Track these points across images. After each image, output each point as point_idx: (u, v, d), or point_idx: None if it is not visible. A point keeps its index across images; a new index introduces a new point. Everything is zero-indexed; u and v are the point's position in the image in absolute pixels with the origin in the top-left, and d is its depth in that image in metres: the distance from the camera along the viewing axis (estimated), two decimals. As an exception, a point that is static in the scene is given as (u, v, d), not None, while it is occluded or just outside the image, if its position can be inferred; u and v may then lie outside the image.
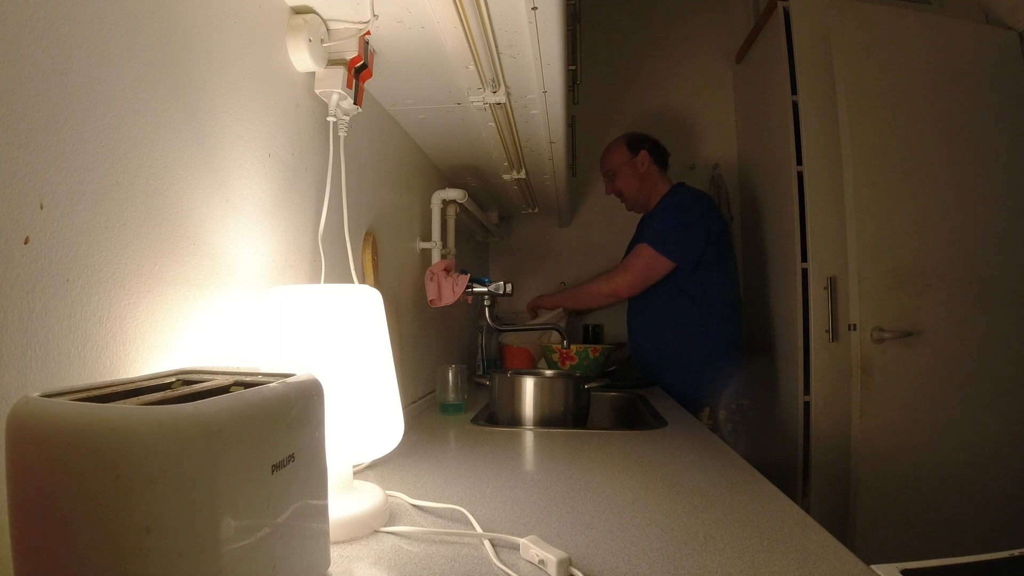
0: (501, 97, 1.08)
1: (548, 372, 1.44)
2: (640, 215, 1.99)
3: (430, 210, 1.42)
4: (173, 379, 0.44)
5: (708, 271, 1.74)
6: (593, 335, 2.32)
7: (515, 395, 1.26)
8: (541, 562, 0.53)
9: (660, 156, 1.89)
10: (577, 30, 1.40)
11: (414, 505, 0.70)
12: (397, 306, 1.21)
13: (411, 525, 0.64)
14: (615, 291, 1.77)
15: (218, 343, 0.62)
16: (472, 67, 0.97)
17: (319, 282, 0.83)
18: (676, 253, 1.71)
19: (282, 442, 0.41)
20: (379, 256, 1.10)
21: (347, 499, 0.62)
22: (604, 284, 1.79)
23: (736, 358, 1.80)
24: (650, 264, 1.73)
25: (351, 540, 0.59)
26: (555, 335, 1.90)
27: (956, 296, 1.76)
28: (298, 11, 0.79)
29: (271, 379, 0.44)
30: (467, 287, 1.35)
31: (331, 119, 0.84)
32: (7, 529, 0.33)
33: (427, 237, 1.42)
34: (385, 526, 0.63)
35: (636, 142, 1.88)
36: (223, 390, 0.41)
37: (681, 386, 1.74)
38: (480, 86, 1.05)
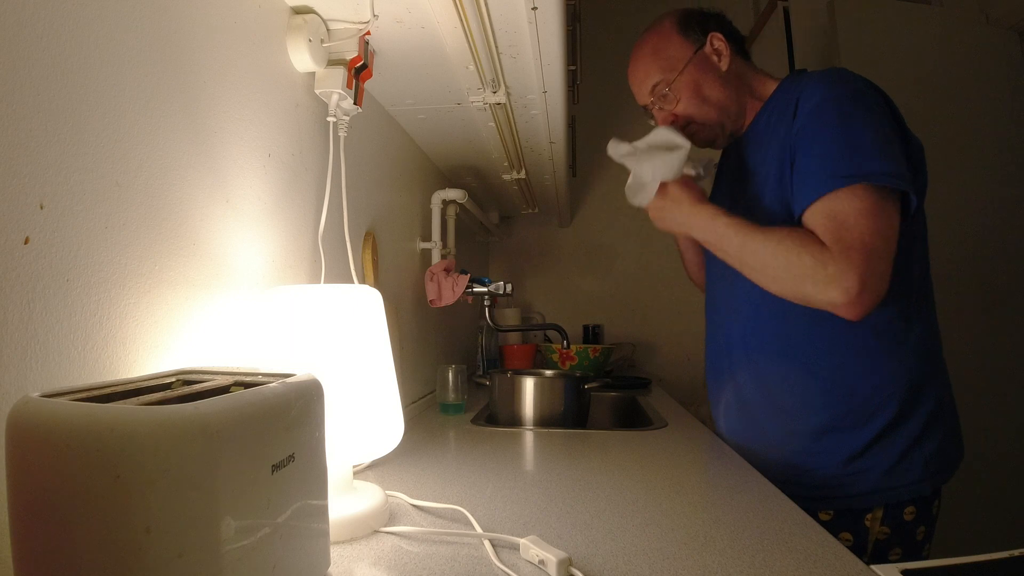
0: (501, 97, 1.08)
1: (548, 372, 1.44)
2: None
3: (430, 210, 1.42)
4: (173, 379, 0.44)
5: (908, 230, 0.83)
6: (593, 335, 2.32)
7: (515, 395, 1.26)
8: (541, 562, 0.53)
9: (737, 40, 1.05)
10: (577, 30, 1.40)
11: (414, 505, 0.70)
12: (397, 306, 1.21)
13: (411, 525, 0.64)
14: (834, 302, 0.76)
15: (218, 343, 0.62)
16: (472, 67, 0.97)
17: (319, 282, 0.83)
18: (897, 171, 0.78)
19: (282, 442, 0.41)
20: (379, 256, 1.10)
21: (347, 499, 0.62)
22: (822, 287, 0.76)
23: (948, 401, 0.97)
24: (876, 217, 0.76)
25: (351, 540, 0.59)
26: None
27: (956, 297, 1.75)
28: (298, 11, 0.79)
29: (271, 379, 0.44)
30: (467, 287, 1.35)
31: (331, 119, 0.84)
32: (7, 529, 0.33)
33: (427, 237, 1.42)
34: (385, 526, 0.63)
35: (693, 21, 1.02)
36: (223, 390, 0.41)
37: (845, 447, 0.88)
38: (480, 86, 1.05)
